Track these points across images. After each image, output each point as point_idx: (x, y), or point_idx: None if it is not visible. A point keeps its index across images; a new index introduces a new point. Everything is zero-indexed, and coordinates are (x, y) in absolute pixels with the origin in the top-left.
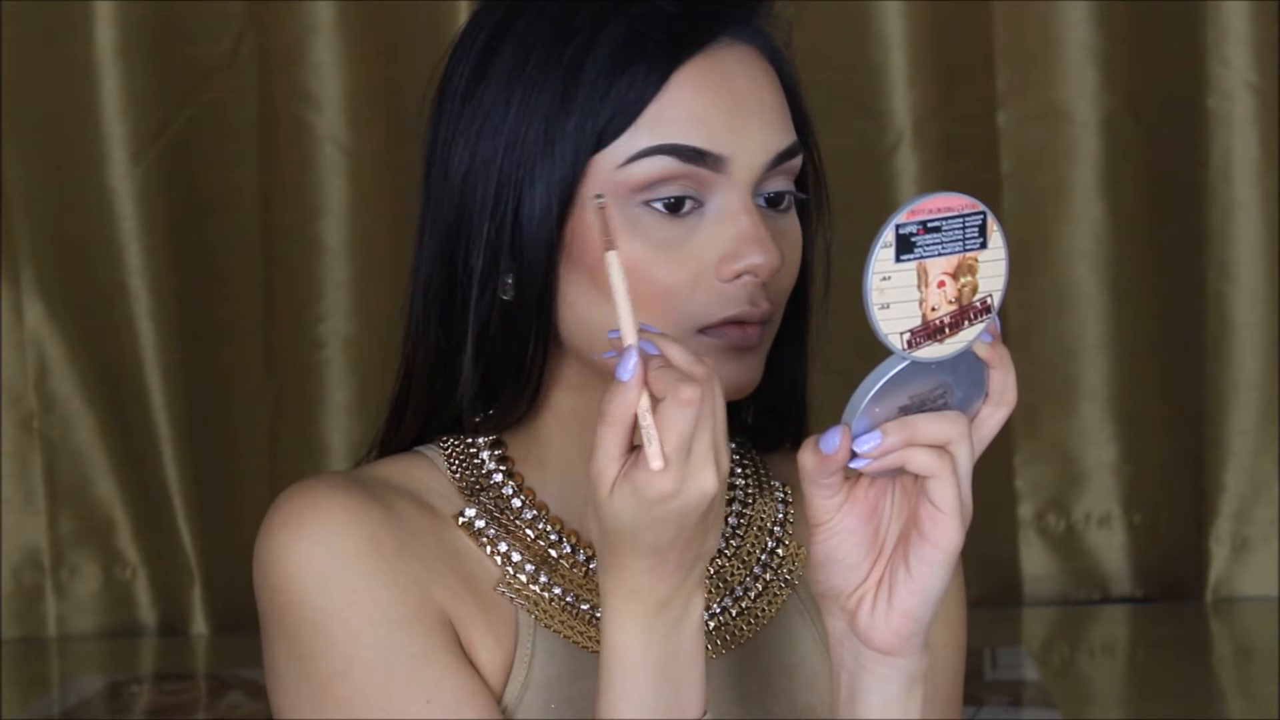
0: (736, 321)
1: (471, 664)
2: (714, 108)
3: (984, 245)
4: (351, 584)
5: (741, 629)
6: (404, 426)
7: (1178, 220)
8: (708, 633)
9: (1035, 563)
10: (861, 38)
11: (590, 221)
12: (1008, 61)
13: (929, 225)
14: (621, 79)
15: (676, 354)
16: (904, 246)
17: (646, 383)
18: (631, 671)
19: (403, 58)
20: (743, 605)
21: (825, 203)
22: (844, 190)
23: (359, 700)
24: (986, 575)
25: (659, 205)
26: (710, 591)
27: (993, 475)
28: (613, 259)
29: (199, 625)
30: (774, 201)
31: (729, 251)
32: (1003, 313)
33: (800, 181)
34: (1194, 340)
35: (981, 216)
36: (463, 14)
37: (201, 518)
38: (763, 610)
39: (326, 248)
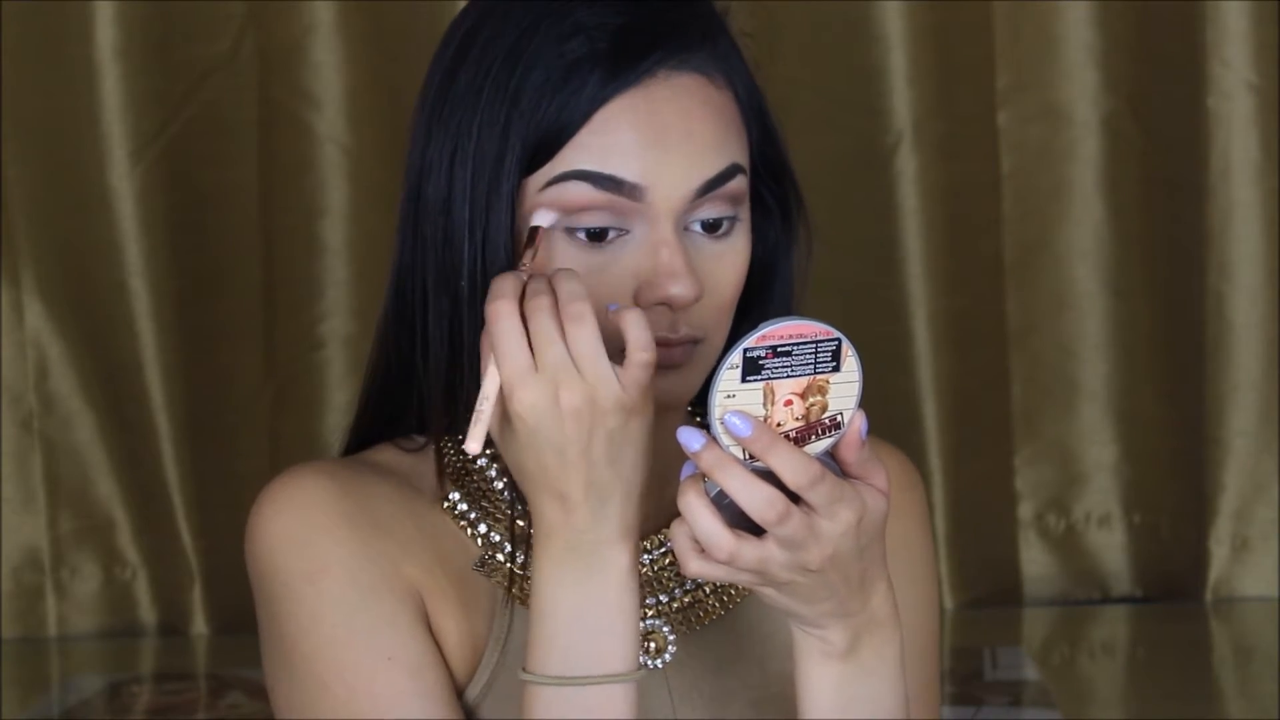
0: (660, 343)
1: (434, 639)
2: (634, 138)
3: (836, 369)
4: (323, 550)
5: (713, 605)
6: (362, 422)
7: (1178, 221)
8: (681, 609)
9: (1035, 563)
10: (861, 38)
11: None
12: (1008, 61)
13: (779, 350)
14: (551, 105)
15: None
16: (750, 368)
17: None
18: (544, 614)
19: (403, 58)
20: (716, 584)
21: (800, 212)
22: (844, 190)
23: (323, 654)
24: (986, 575)
25: (581, 235)
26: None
27: (993, 475)
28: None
29: (199, 625)
30: (711, 227)
31: (646, 282)
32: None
33: (782, 192)
34: (1194, 340)
35: (836, 343)
36: None
37: (201, 518)
38: (736, 588)
39: (326, 248)
